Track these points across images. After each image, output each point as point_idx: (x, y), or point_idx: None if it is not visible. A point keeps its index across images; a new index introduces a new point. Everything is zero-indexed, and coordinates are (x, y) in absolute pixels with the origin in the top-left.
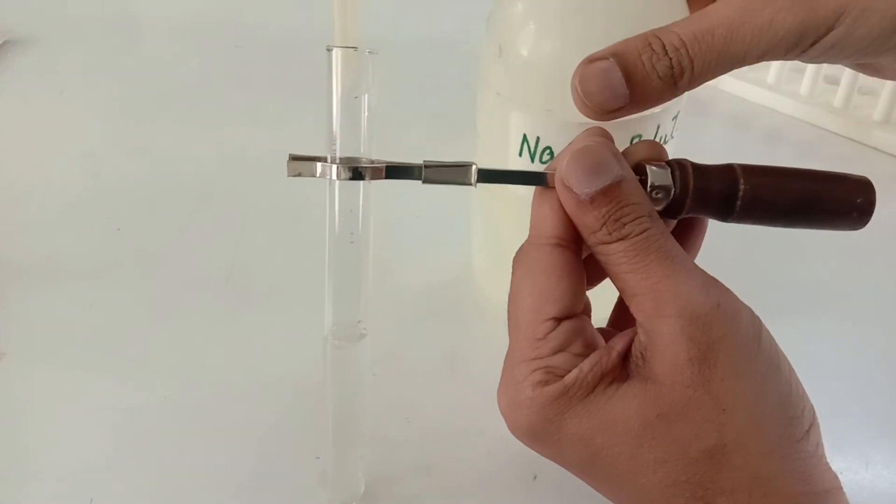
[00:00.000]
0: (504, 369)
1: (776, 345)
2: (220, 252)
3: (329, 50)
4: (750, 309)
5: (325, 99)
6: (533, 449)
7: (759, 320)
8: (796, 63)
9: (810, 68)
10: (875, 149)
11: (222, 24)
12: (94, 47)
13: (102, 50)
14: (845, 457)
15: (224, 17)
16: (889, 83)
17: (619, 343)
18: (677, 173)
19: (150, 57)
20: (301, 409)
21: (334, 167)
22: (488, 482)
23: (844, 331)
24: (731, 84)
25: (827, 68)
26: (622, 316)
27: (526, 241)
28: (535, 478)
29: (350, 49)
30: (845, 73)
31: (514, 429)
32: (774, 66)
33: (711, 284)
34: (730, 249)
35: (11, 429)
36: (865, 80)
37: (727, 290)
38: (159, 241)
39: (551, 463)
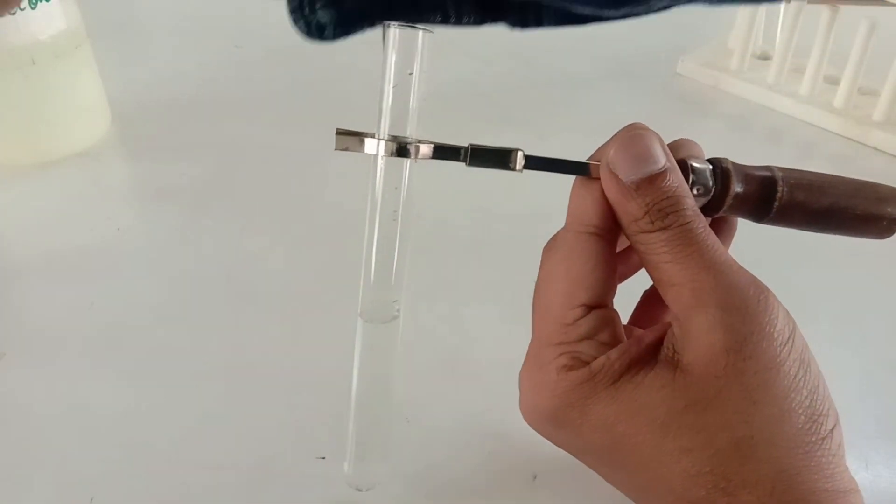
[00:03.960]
0: (529, 352)
1: (806, 343)
2: (220, 251)
3: (386, 26)
4: (784, 307)
5: (377, 76)
6: (546, 435)
7: (793, 318)
8: (796, 63)
9: (810, 68)
10: (875, 149)
11: (222, 24)
12: (93, 47)
13: (102, 50)
14: (845, 457)
15: (224, 17)
16: (889, 83)
17: (649, 335)
18: (718, 172)
19: (150, 57)
20: (304, 409)
21: (382, 143)
22: (488, 482)
23: (845, 331)
24: (731, 84)
25: (827, 68)
26: (644, 313)
27: (562, 228)
28: (535, 478)
29: (407, 27)
30: (845, 74)
31: (531, 411)
32: (774, 65)
33: (751, 279)
34: (733, 252)
35: (11, 429)
36: (865, 80)
37: (765, 286)
38: (159, 240)
39: (551, 463)
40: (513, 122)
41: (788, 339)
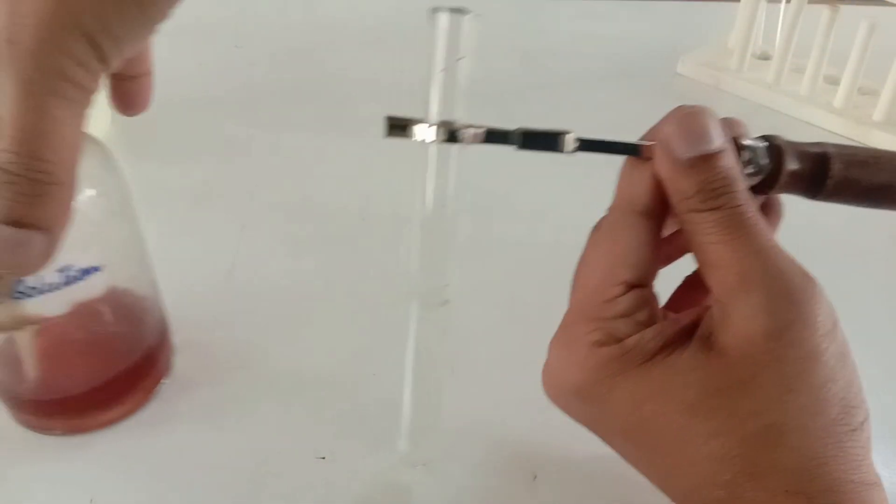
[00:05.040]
0: (562, 324)
1: (846, 339)
2: (220, 250)
3: (434, 12)
4: (829, 298)
5: (424, 62)
6: (566, 408)
7: (836, 313)
8: (796, 63)
9: (810, 68)
10: None
11: (222, 24)
12: None
13: None
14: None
15: (224, 17)
16: (889, 83)
17: (685, 318)
18: (772, 149)
19: None
20: (304, 409)
21: (432, 129)
22: (488, 482)
23: (844, 330)
24: (731, 84)
25: (827, 68)
26: (681, 299)
27: (609, 207)
28: (535, 478)
29: (456, 12)
30: (845, 74)
31: (557, 383)
32: (774, 65)
33: (799, 268)
34: None
35: (11, 428)
36: (865, 80)
37: (813, 276)
38: (159, 241)
39: (551, 463)
40: (513, 122)
41: (830, 330)
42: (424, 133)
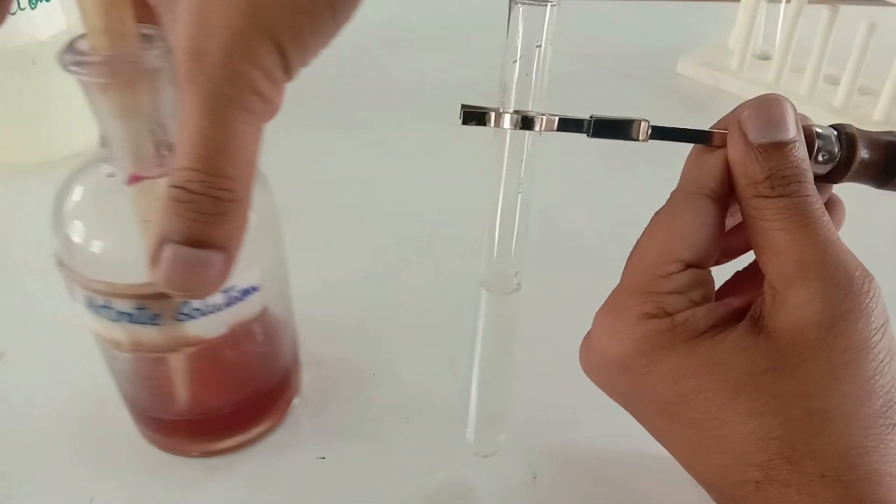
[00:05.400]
0: (612, 295)
1: (894, 337)
2: None
3: (515, 2)
4: (882, 298)
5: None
6: (601, 380)
7: (886, 310)
8: (796, 63)
9: (810, 68)
10: None
11: None
12: None
13: None
14: None
15: None
16: (889, 83)
17: (736, 301)
18: (844, 138)
19: None
20: (304, 409)
21: (507, 116)
22: (488, 482)
23: None
24: (730, 84)
25: (827, 68)
26: (729, 293)
27: (675, 189)
28: (535, 478)
29: (534, 3)
30: (845, 74)
31: (598, 354)
32: (774, 65)
33: (859, 263)
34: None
35: (11, 428)
36: (865, 80)
37: (871, 273)
38: None
39: (551, 463)
40: None
41: (882, 325)
42: (500, 121)
